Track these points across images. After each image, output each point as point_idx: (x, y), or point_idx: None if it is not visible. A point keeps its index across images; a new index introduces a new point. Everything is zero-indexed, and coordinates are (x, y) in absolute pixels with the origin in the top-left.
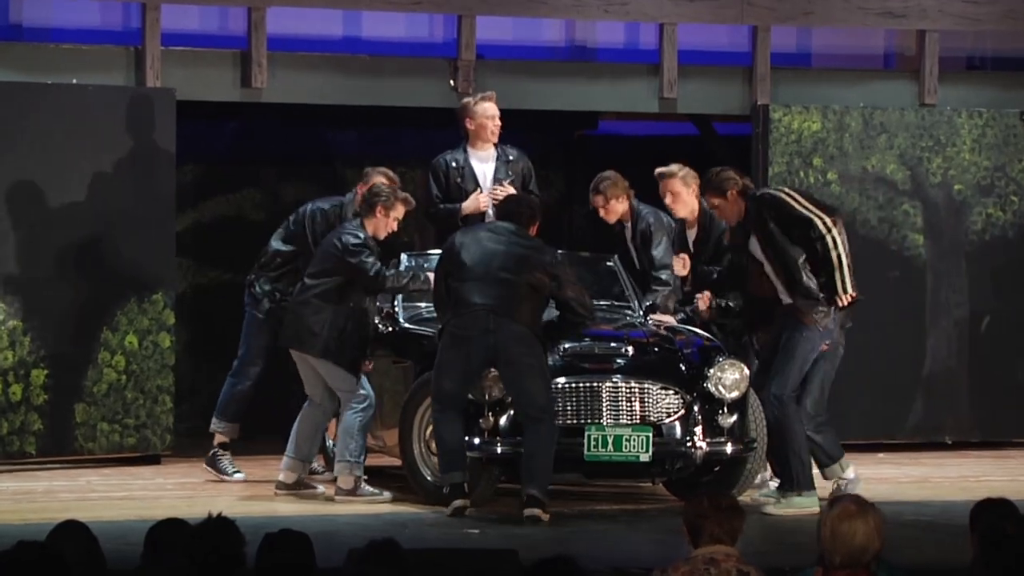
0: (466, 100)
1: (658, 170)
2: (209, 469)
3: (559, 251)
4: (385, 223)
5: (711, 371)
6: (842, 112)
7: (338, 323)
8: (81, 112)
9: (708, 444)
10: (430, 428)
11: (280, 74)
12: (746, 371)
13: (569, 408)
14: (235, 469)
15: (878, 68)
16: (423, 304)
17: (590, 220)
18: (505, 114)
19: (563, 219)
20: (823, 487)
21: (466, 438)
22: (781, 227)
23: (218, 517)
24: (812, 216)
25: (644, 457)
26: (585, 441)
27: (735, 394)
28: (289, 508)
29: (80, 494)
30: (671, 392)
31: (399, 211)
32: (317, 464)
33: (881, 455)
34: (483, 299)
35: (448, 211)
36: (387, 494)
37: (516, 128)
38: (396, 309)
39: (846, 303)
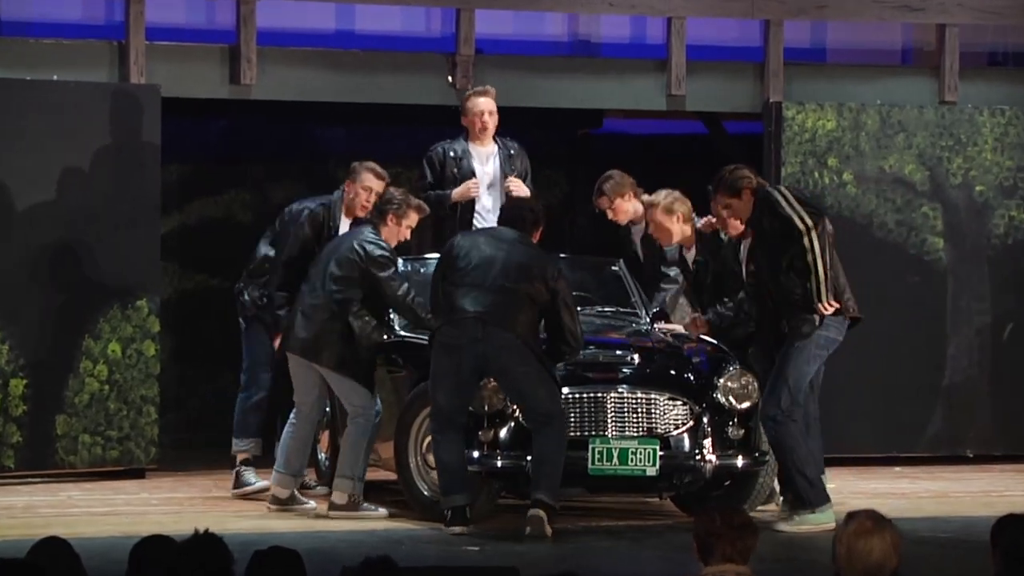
0: (465, 94)
1: (643, 198)
2: (236, 491)
3: (561, 255)
4: (397, 231)
5: (721, 380)
6: (858, 110)
7: (355, 335)
8: (62, 110)
9: (718, 457)
10: (427, 440)
11: (270, 70)
12: (756, 380)
13: (572, 419)
14: (258, 479)
15: (896, 64)
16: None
17: (594, 222)
18: (505, 112)
19: (565, 221)
20: (837, 504)
21: (465, 451)
22: (772, 226)
23: (205, 533)
24: (794, 217)
25: (651, 471)
26: (589, 454)
27: (745, 405)
28: (280, 524)
29: (61, 509)
30: (679, 403)
31: (412, 219)
32: (309, 479)
33: (898, 469)
34: (475, 306)
35: (438, 197)
36: (383, 510)
37: (517, 126)
38: (391, 317)
39: (827, 311)
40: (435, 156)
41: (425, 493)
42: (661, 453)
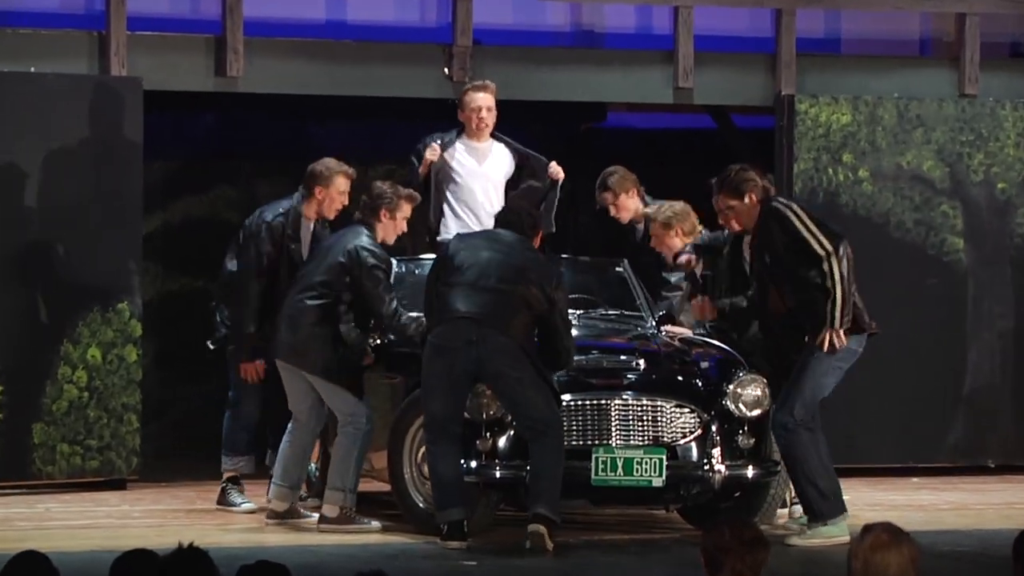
0: (464, 88)
1: (643, 211)
2: (220, 507)
3: (563, 255)
4: (393, 226)
5: (730, 387)
6: (874, 103)
7: (342, 341)
8: (40, 103)
9: (727, 467)
10: (422, 450)
11: (257, 61)
12: (768, 387)
13: (575, 428)
14: (244, 500)
15: (914, 55)
16: (413, 315)
17: (597, 221)
18: (505, 105)
19: (568, 220)
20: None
21: (463, 463)
22: (787, 246)
23: (190, 548)
24: (815, 245)
25: (657, 482)
26: (592, 464)
27: (756, 412)
28: (269, 538)
29: (38, 522)
30: (686, 410)
31: (405, 211)
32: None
33: (916, 480)
34: (469, 307)
35: (411, 173)
36: (376, 523)
37: (517, 121)
38: None
39: (838, 342)
40: (424, 146)
41: (420, 505)
42: (668, 463)
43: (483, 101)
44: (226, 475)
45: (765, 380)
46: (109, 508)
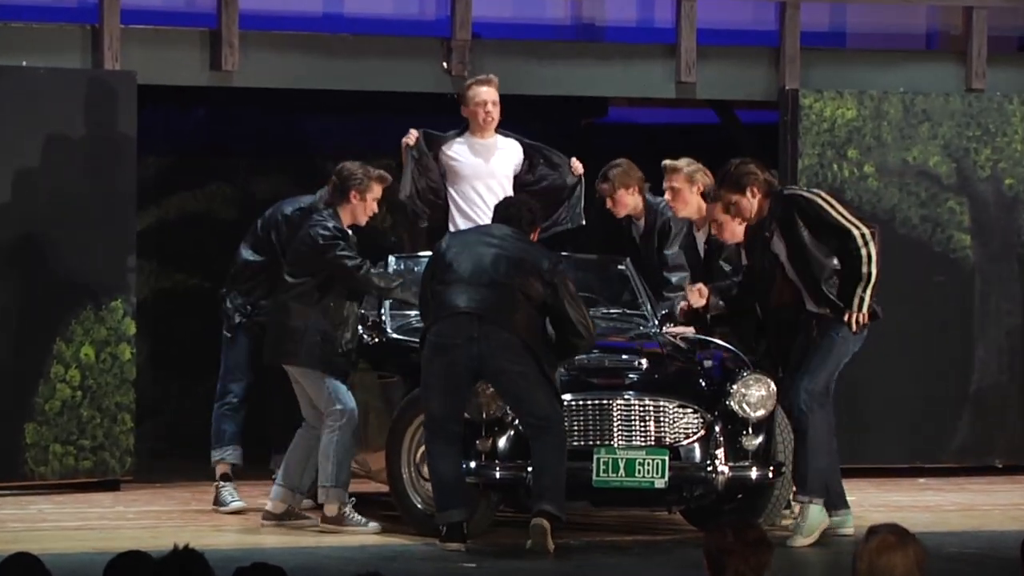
0: (466, 83)
1: (665, 162)
2: (215, 508)
3: (564, 252)
4: (363, 207)
5: (734, 387)
6: (880, 98)
7: (320, 327)
8: (32, 98)
9: (731, 468)
10: (420, 450)
11: (253, 55)
12: (773, 387)
13: (576, 428)
14: (233, 499)
15: (920, 49)
16: (413, 313)
17: (600, 218)
18: (505, 101)
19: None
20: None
21: (463, 464)
22: (813, 233)
23: (185, 549)
24: (850, 227)
25: (659, 483)
26: (594, 465)
27: (761, 412)
28: (265, 540)
29: (31, 524)
30: (689, 410)
31: (376, 191)
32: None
33: (923, 480)
34: (469, 303)
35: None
36: (374, 525)
37: (517, 116)
38: (383, 318)
39: (856, 323)
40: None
41: (419, 506)
42: (670, 464)
43: (488, 95)
44: (219, 472)
45: (770, 380)
46: (103, 509)
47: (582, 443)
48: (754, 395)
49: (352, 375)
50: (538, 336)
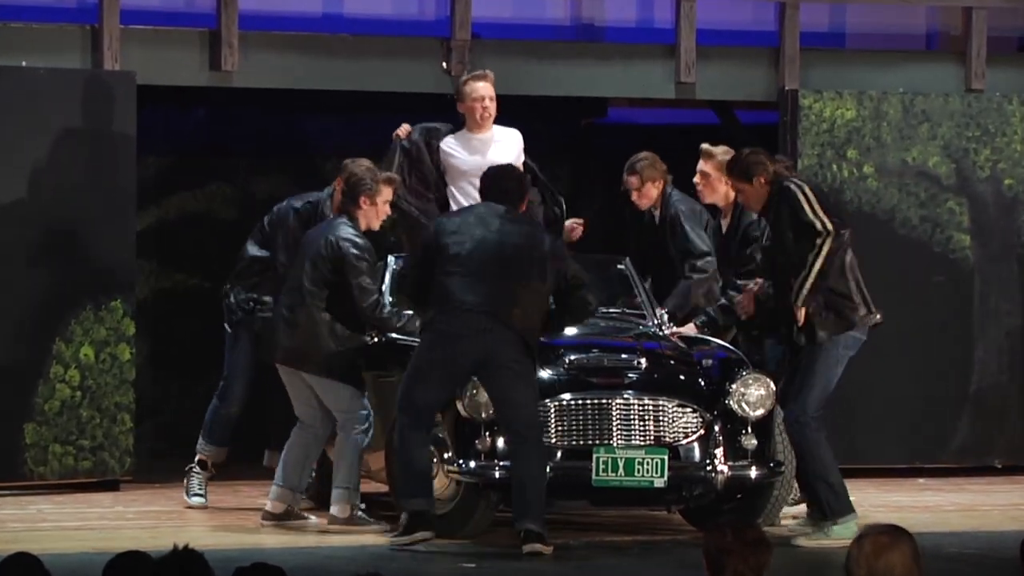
0: (460, 80)
1: (703, 145)
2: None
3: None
4: (375, 212)
5: (733, 386)
6: (879, 98)
7: (339, 336)
8: (31, 98)
9: (730, 468)
10: None
11: (253, 56)
12: (772, 386)
13: (575, 428)
14: (197, 492)
15: (919, 49)
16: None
17: (599, 217)
18: (504, 101)
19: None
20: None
21: (461, 462)
22: (792, 227)
23: (184, 549)
24: (815, 221)
25: (659, 482)
26: (593, 464)
27: (760, 412)
28: (265, 540)
29: (30, 524)
30: (689, 410)
31: (386, 194)
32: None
33: (922, 480)
34: (477, 298)
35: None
36: (383, 524)
37: (517, 117)
38: None
39: (798, 315)
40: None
41: None
42: (670, 463)
43: (485, 90)
44: (198, 457)
45: (769, 379)
46: (102, 509)
47: (581, 442)
48: (753, 394)
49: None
50: (535, 333)
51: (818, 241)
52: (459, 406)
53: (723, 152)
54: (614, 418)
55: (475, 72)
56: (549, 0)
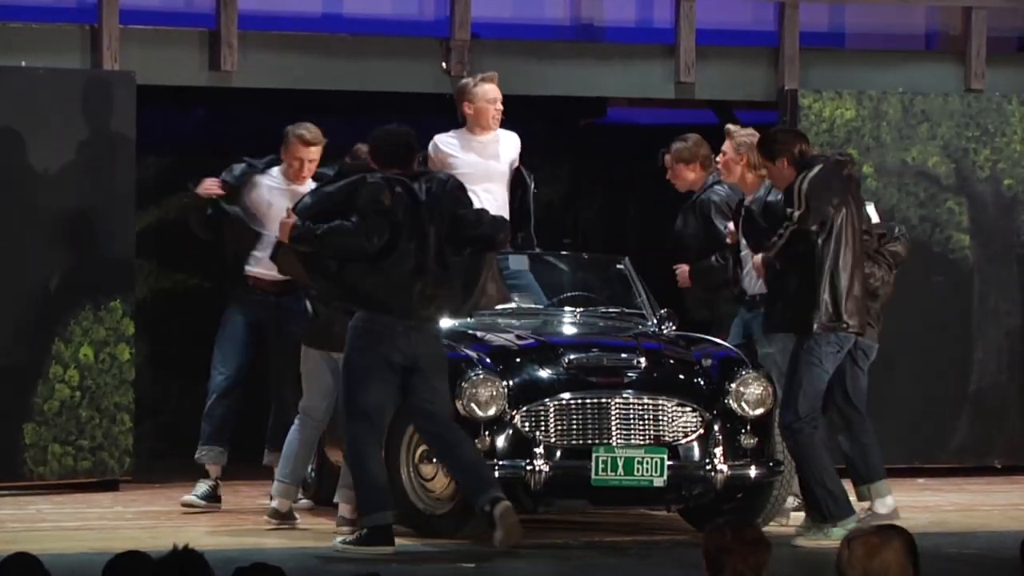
0: (465, 81)
1: (728, 126)
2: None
3: (563, 252)
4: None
5: (733, 386)
6: (879, 98)
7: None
8: (31, 98)
9: (730, 467)
10: (419, 450)
11: (252, 56)
12: (772, 386)
13: (575, 427)
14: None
15: (919, 49)
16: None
17: (599, 216)
18: (504, 100)
19: (568, 216)
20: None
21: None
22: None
23: (184, 549)
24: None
25: (658, 482)
26: (592, 464)
27: (759, 411)
28: (265, 540)
29: (30, 524)
30: (688, 409)
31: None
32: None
33: (922, 480)
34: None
35: None
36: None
37: (517, 117)
38: None
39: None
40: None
41: (418, 507)
42: (669, 463)
43: (496, 93)
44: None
45: (768, 379)
46: (102, 509)
47: (581, 442)
48: (753, 393)
49: None
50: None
51: (784, 223)
52: (458, 405)
53: (746, 134)
54: (613, 417)
55: (484, 74)
56: (549, 0)
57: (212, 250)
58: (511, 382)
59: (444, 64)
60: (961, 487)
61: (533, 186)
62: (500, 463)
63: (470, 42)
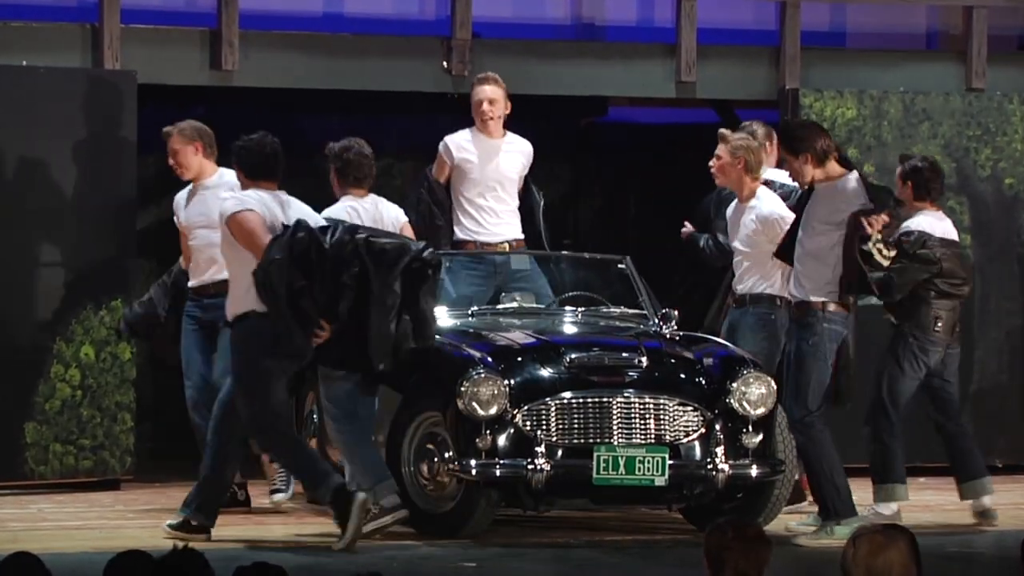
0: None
1: (721, 130)
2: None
3: (564, 251)
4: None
5: (734, 385)
6: (880, 97)
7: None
8: (32, 97)
9: (731, 467)
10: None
11: (253, 55)
12: (773, 385)
13: (576, 426)
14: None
15: (920, 48)
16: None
17: (599, 216)
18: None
19: (569, 216)
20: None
21: (461, 460)
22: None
23: (184, 548)
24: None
25: (659, 481)
26: (594, 463)
27: (761, 410)
28: (265, 539)
29: (31, 523)
30: (690, 408)
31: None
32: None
33: (923, 480)
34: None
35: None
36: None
37: (517, 116)
38: None
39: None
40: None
41: (419, 505)
42: (670, 462)
43: (483, 94)
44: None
45: (770, 378)
46: (103, 509)
47: (582, 441)
48: (754, 393)
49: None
50: None
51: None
52: (459, 404)
53: (740, 137)
54: (615, 416)
55: (482, 75)
56: (549, 0)
57: None
58: (512, 381)
59: (445, 63)
60: None
61: (543, 203)
62: (501, 462)
63: (471, 41)
